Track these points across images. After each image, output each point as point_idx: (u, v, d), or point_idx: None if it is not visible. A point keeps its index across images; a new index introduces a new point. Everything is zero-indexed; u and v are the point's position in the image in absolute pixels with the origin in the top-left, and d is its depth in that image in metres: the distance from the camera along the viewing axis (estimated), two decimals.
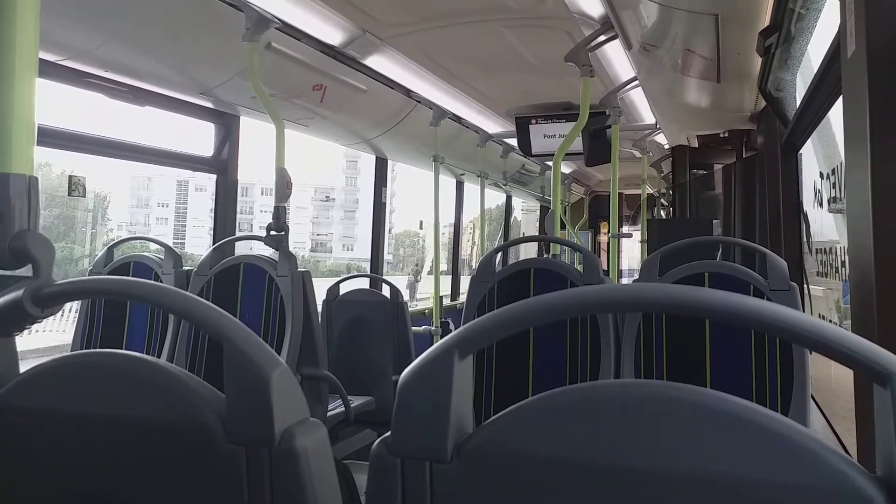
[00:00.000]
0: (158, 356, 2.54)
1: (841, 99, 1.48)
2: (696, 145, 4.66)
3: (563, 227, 6.00)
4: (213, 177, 3.37)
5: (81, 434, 0.71)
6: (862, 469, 0.49)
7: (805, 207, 2.99)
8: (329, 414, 2.67)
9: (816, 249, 2.74)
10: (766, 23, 2.22)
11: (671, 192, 4.49)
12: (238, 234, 3.18)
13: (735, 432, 0.51)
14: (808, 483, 0.49)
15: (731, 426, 0.51)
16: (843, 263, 2.19)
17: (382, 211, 4.73)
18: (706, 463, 0.51)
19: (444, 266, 5.88)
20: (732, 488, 0.50)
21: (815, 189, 2.71)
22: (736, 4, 2.16)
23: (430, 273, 4.97)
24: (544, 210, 7.57)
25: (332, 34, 2.93)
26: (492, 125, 4.92)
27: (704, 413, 0.52)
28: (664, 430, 0.53)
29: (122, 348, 2.52)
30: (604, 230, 8.11)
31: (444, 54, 3.40)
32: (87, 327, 2.70)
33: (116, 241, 2.94)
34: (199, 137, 3.41)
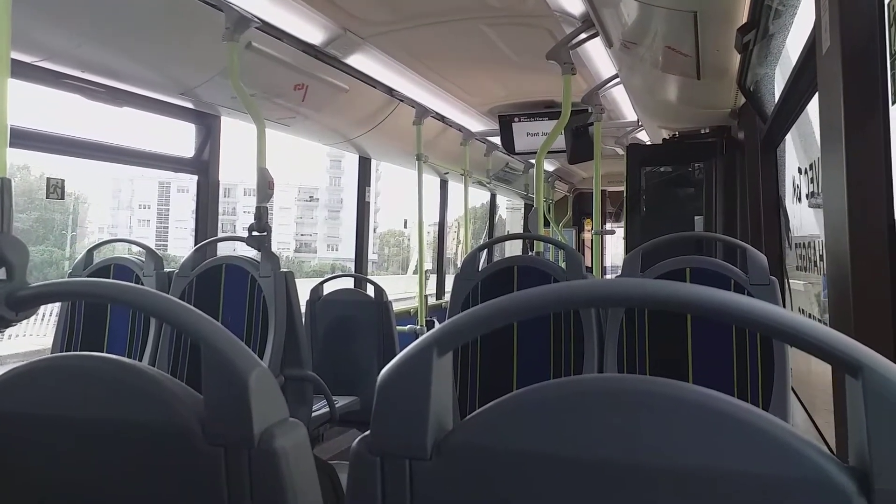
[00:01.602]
0: (140, 359, 2.52)
1: (817, 94, 1.49)
2: (660, 142, 4.67)
3: (546, 224, 6.02)
4: (195, 178, 3.35)
5: (58, 438, 0.71)
6: (835, 460, 0.50)
7: (786, 202, 3.02)
8: (314, 414, 2.66)
9: (796, 244, 2.77)
10: (744, 20, 2.23)
11: (625, 191, 4.46)
12: (220, 235, 3.15)
13: (713, 426, 0.51)
14: (784, 474, 0.50)
15: (710, 420, 0.52)
16: (821, 257, 2.21)
17: (366, 210, 4.72)
18: (685, 456, 0.52)
19: (429, 265, 5.87)
20: (711, 481, 0.51)
21: (794, 184, 2.74)
22: (714, 2, 2.17)
23: (415, 272, 4.97)
24: (528, 208, 7.59)
25: (313, 33, 2.92)
26: (475, 123, 4.92)
27: (683, 407, 0.53)
28: (644, 423, 0.53)
29: (102, 351, 2.50)
30: (588, 227, 8.14)
31: (426, 52, 3.40)
32: (66, 331, 2.67)
33: (96, 243, 2.91)
34: (180, 138, 3.38)
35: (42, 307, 0.82)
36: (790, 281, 2.86)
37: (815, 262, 2.31)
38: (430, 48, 3.34)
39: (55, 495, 0.71)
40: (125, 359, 0.72)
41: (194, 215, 3.37)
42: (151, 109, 3.03)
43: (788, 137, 2.85)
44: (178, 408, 0.67)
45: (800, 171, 2.59)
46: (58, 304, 2.76)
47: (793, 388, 1.95)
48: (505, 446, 0.56)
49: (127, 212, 40.10)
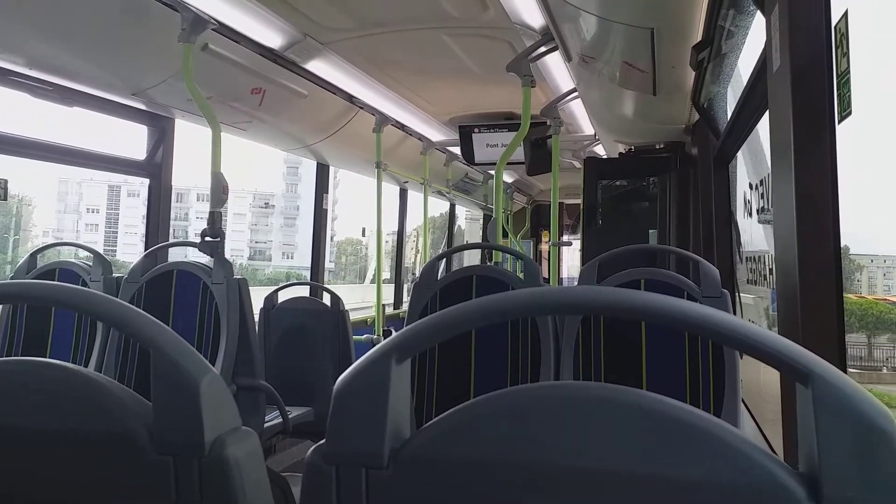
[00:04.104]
0: (86, 366, 2.43)
1: (768, 112, 1.53)
2: (616, 156, 4.75)
3: (505, 235, 6.06)
4: (146, 181, 3.26)
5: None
6: (787, 466, 0.51)
7: (736, 217, 3.10)
8: (266, 425, 2.60)
9: (747, 258, 2.84)
10: (699, 38, 2.29)
11: (582, 203, 4.53)
12: (172, 241, 3.08)
13: (669, 433, 0.52)
14: (738, 481, 0.50)
15: (665, 427, 0.52)
16: (770, 271, 2.27)
17: (324, 218, 4.67)
18: (642, 463, 0.52)
19: (387, 274, 5.84)
20: (666, 487, 0.51)
21: (745, 199, 2.81)
22: (670, 19, 2.22)
23: (372, 281, 4.93)
24: (487, 218, 7.63)
25: (272, 37, 2.88)
26: (435, 133, 4.93)
27: (639, 414, 0.53)
28: (601, 431, 0.53)
29: (46, 357, 2.40)
30: (545, 239, 8.23)
31: (386, 60, 3.39)
32: (7, 336, 2.57)
33: (41, 246, 2.80)
34: (132, 140, 3.29)
35: None
36: (740, 294, 2.93)
37: (765, 275, 2.38)
38: (390, 56, 3.34)
39: None
40: (70, 364, 0.69)
41: (145, 220, 3.29)
42: (102, 110, 2.95)
43: (739, 154, 2.93)
44: (125, 415, 0.65)
45: (751, 186, 2.66)
46: None
47: (742, 399, 1.99)
48: (462, 454, 0.55)
49: (74, 215, 38.81)
